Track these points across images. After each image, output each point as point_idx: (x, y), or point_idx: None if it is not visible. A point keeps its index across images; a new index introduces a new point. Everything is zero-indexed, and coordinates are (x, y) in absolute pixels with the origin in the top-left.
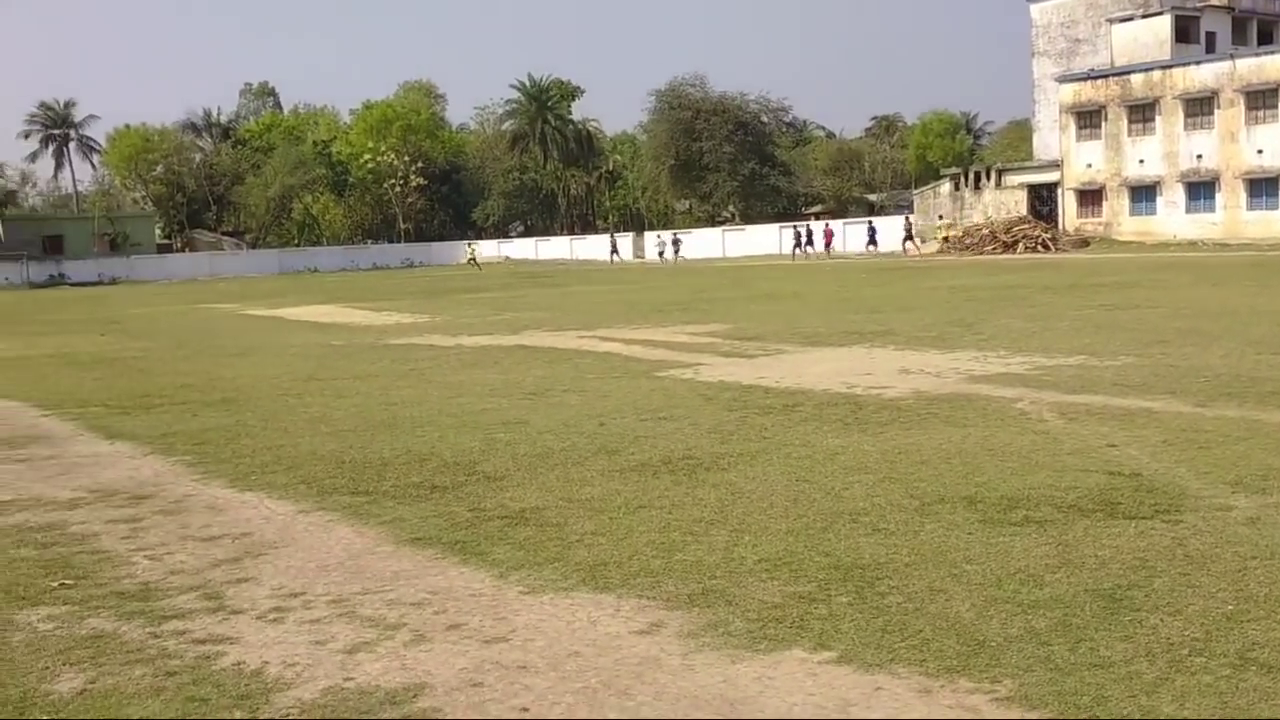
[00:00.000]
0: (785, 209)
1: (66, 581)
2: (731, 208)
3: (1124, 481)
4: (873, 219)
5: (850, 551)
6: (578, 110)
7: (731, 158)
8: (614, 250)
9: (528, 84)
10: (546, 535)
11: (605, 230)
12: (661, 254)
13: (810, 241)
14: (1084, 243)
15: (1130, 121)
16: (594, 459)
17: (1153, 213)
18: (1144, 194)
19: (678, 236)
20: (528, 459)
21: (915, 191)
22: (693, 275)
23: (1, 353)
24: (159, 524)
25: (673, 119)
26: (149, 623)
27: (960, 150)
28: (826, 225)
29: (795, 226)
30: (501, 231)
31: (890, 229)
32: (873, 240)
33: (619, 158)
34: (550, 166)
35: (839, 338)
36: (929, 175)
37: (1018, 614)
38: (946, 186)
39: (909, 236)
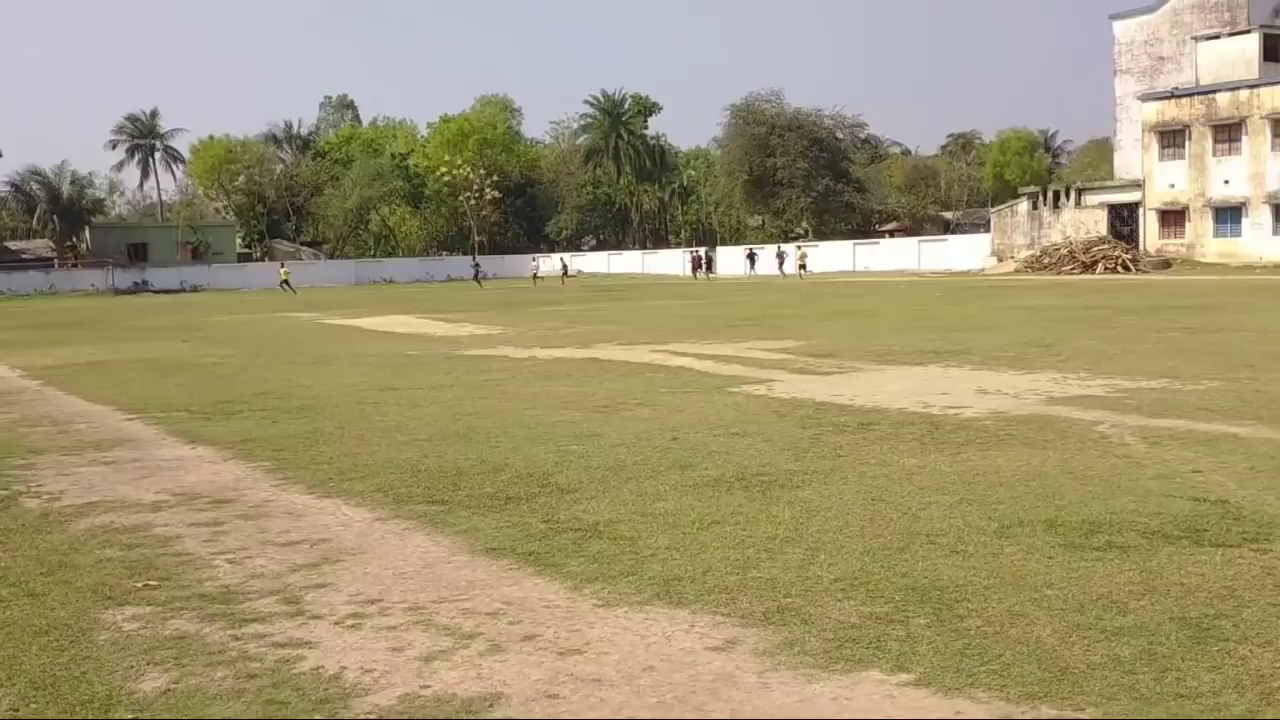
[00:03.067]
0: (859, 226)
1: (151, 583)
2: (805, 224)
3: (1210, 508)
4: (751, 247)
5: (928, 573)
6: (653, 125)
7: (805, 174)
8: (705, 267)
9: (602, 99)
10: (620, 549)
11: (678, 245)
12: (782, 265)
13: (708, 266)
14: (1165, 264)
15: (1215, 141)
16: (667, 473)
17: (1238, 234)
18: (1229, 215)
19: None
20: (601, 472)
21: (992, 210)
22: (766, 293)
23: (88, 357)
24: (239, 528)
25: (747, 134)
26: (230, 625)
27: (1038, 169)
28: (693, 252)
29: (694, 251)
30: (573, 245)
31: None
32: (751, 264)
33: (692, 173)
34: (623, 181)
35: (914, 356)
36: (1006, 194)
37: (1100, 641)
38: (1024, 205)
39: (782, 262)
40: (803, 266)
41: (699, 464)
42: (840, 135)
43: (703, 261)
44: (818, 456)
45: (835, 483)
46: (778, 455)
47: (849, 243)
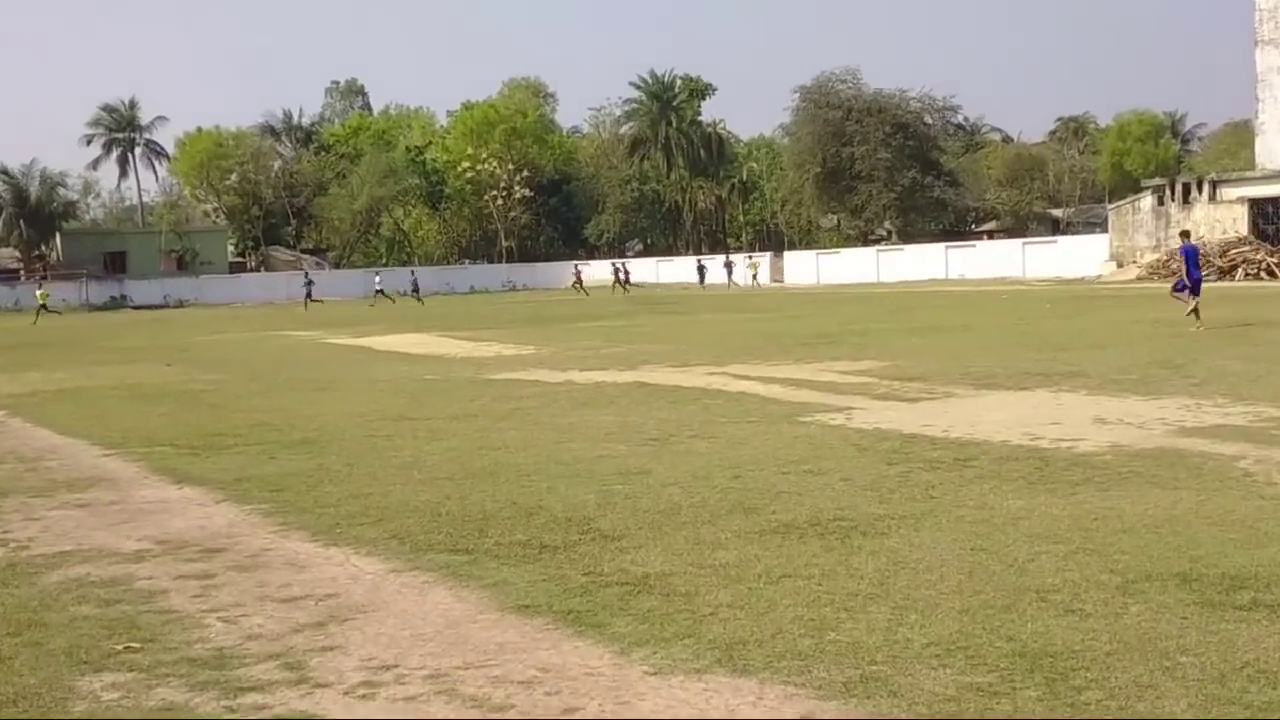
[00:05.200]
0: (952, 226)
1: (132, 645)
2: (888, 224)
3: None
4: (700, 258)
5: (1038, 636)
6: (707, 111)
7: (888, 165)
8: (701, 276)
9: (649, 81)
10: (674, 606)
11: (738, 249)
12: (754, 275)
13: (625, 280)
14: None
15: None
16: (728, 517)
17: None
18: None
19: (753, 259)
20: (650, 516)
21: (1110, 206)
22: (842, 304)
23: (59, 384)
24: (234, 581)
25: (820, 120)
26: (224, 695)
27: (1165, 157)
28: (614, 262)
29: (614, 263)
30: (617, 250)
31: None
32: (701, 278)
33: (754, 165)
34: (674, 175)
35: (1019, 379)
36: (1126, 187)
37: (1246, 718)
38: (1148, 201)
39: (730, 271)
40: (755, 276)
41: (766, 507)
42: (929, 120)
43: (620, 274)
44: (906, 498)
45: (927, 529)
46: (859, 496)
47: (939, 245)
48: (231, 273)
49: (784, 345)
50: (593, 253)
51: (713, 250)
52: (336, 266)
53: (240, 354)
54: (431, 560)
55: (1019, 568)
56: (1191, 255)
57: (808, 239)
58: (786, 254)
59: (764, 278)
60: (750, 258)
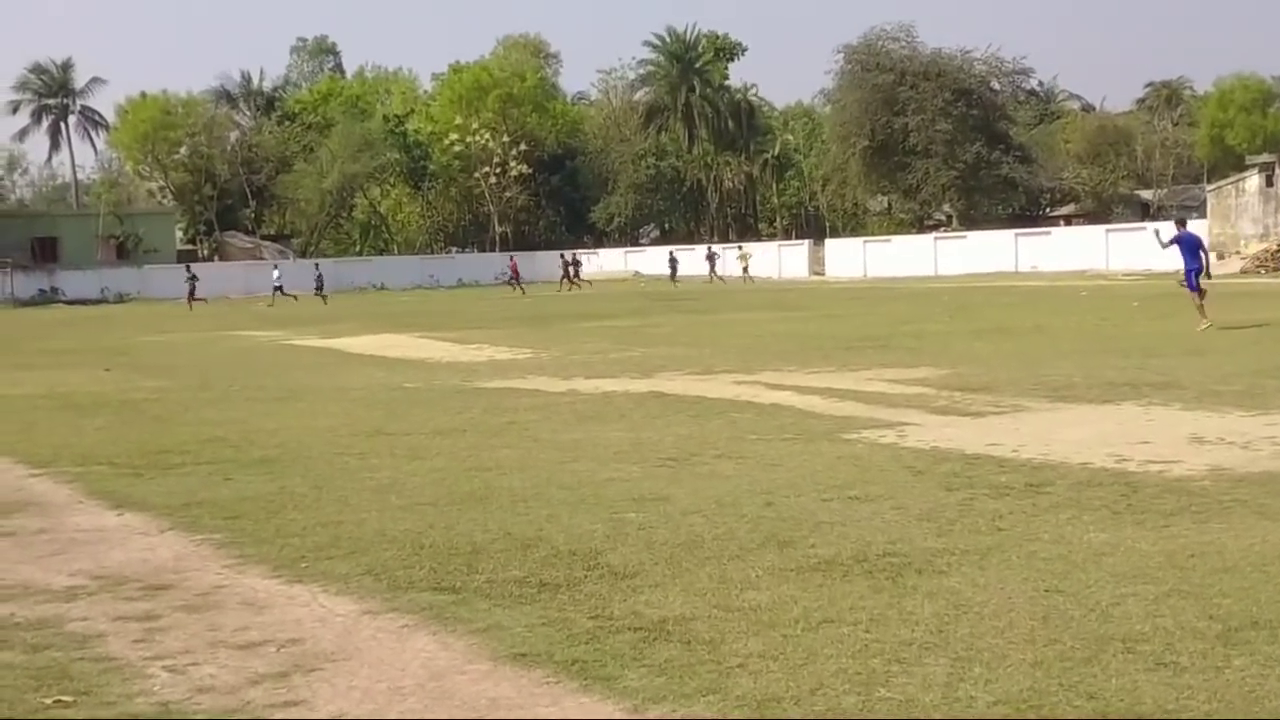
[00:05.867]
0: (1022, 210)
1: (64, 698)
2: (947, 207)
3: None
4: (673, 249)
5: (1124, 693)
6: (736, 74)
7: (948, 139)
8: (673, 271)
9: (668, 39)
10: (696, 656)
11: (771, 235)
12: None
13: (575, 274)
14: None
15: None
16: (759, 552)
17: None
18: None
19: (744, 249)
20: (668, 549)
21: (1209, 188)
22: (893, 300)
23: None
24: (181, 624)
25: (868, 85)
26: None
27: (1274, 130)
28: (562, 254)
29: (562, 254)
30: (629, 237)
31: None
32: (673, 271)
33: (791, 138)
34: (697, 150)
35: (1102, 390)
36: (1228, 165)
37: None
38: (1254, 181)
39: (713, 265)
40: (745, 269)
41: (804, 539)
42: (996, 86)
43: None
44: (969, 530)
45: (993, 566)
46: (913, 528)
47: (1008, 233)
48: (180, 262)
49: (825, 349)
50: (601, 240)
51: (741, 237)
52: (303, 255)
53: (190, 357)
54: (412, 600)
55: (1101, 613)
56: (1188, 244)
57: (853, 224)
58: (828, 242)
59: (762, 270)
60: (741, 248)
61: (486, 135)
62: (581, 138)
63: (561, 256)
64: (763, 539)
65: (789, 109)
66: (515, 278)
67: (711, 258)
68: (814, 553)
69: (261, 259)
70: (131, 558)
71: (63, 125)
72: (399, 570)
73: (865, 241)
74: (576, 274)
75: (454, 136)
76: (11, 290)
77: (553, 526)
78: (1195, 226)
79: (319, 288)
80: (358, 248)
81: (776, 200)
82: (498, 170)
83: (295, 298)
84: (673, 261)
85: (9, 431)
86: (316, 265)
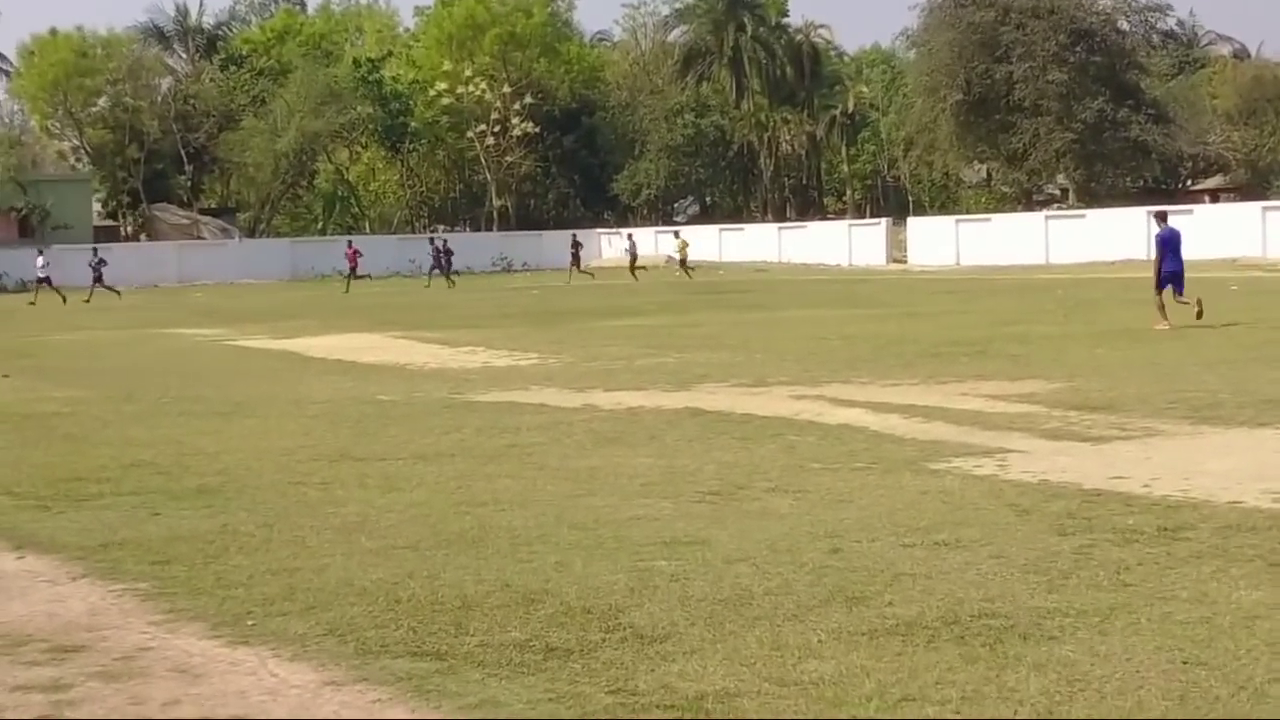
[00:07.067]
0: (1157, 182)
1: None
2: (1062, 177)
3: None
4: (575, 233)
5: None
6: (797, 9)
7: (1063, 92)
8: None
9: None
10: None
11: (839, 213)
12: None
13: (446, 265)
14: None
15: None
16: (822, 611)
17: None
18: None
19: (682, 237)
20: (708, 607)
21: None
22: (993, 294)
23: None
24: (96, 696)
25: (962, 24)
26: None
27: None
28: (433, 237)
29: (433, 237)
30: (662, 214)
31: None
32: (575, 261)
33: (865, 90)
34: (748, 105)
35: (1257, 410)
36: None
37: None
38: None
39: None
40: (683, 262)
41: (878, 595)
42: (1125, 26)
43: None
44: (1087, 585)
45: (1117, 631)
46: (1016, 581)
47: (1138, 210)
48: (99, 240)
49: (906, 356)
50: (625, 216)
51: (802, 214)
52: (251, 234)
53: (111, 360)
54: (386, 668)
55: (1255, 691)
56: (1169, 242)
57: (943, 199)
58: (911, 221)
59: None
60: (678, 234)
61: (482, 85)
62: (602, 89)
63: (431, 240)
64: (827, 595)
65: (863, 54)
66: (353, 268)
67: (444, 252)
68: (891, 612)
69: (200, 238)
70: (34, 611)
71: None
72: (369, 630)
73: (958, 221)
74: (449, 264)
75: (442, 86)
76: None
77: (563, 577)
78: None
79: (97, 278)
80: (320, 225)
81: (846, 168)
82: (496, 129)
83: (62, 295)
84: (575, 245)
85: None
86: (95, 250)
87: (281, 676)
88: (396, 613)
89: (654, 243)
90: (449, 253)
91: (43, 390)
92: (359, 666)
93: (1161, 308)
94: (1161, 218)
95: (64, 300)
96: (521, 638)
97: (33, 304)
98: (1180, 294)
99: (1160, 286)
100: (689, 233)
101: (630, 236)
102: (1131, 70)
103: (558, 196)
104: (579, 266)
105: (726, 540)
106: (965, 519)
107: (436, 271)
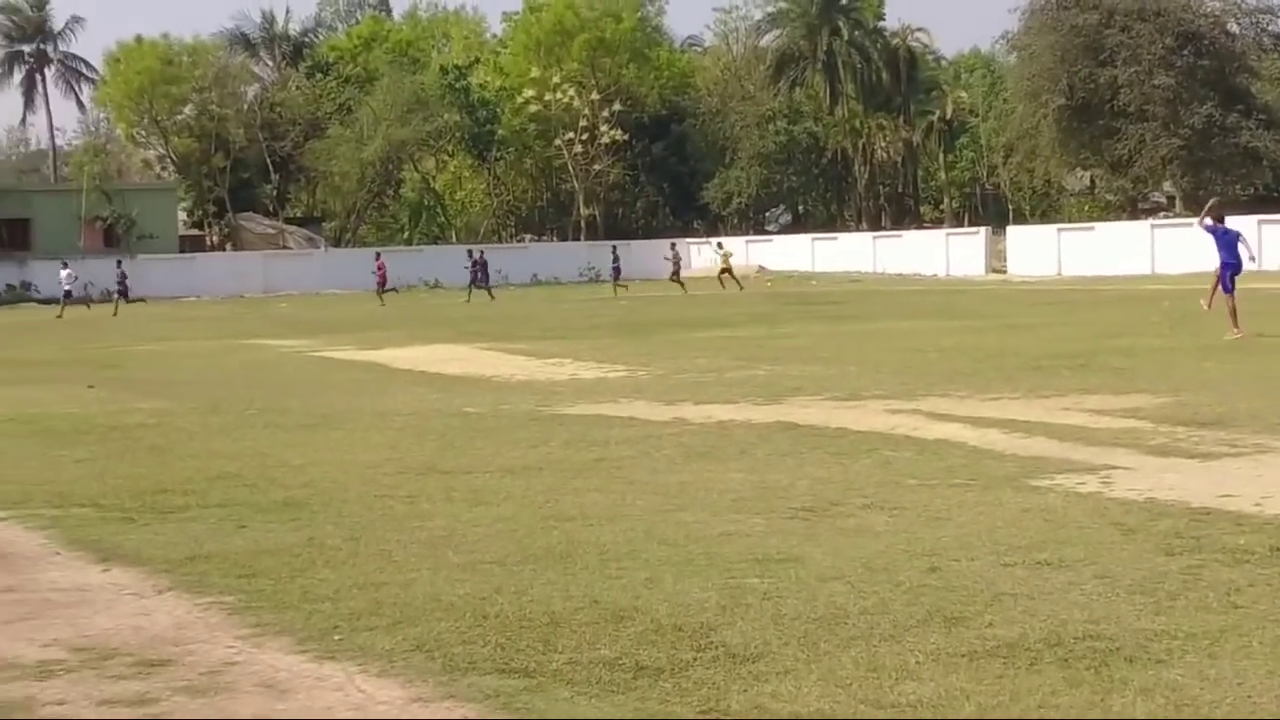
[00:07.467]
0: (1270, 189)
1: None
2: (1169, 185)
3: None
4: (615, 244)
5: None
6: (894, 12)
7: (1170, 96)
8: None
9: None
10: None
11: (936, 222)
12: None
13: (483, 278)
14: None
15: None
16: (920, 631)
17: None
18: None
19: (723, 245)
20: (801, 626)
21: None
22: (1098, 306)
23: None
24: (182, 711)
25: (1065, 27)
26: None
27: None
28: (470, 248)
29: (470, 249)
30: (753, 223)
31: None
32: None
33: (965, 95)
34: (842, 111)
35: None
36: None
37: None
38: None
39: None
40: (725, 271)
41: (978, 616)
42: (1235, 28)
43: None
44: (1196, 607)
45: (1228, 655)
46: (1122, 603)
47: (1250, 219)
48: (184, 251)
49: (1006, 369)
50: (715, 226)
51: (897, 223)
52: (336, 243)
53: (196, 372)
54: (474, 685)
55: None
56: (1223, 238)
57: (1044, 207)
58: (1011, 230)
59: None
60: (720, 245)
61: (570, 92)
62: (692, 95)
63: (470, 253)
64: (924, 615)
65: (961, 58)
66: (381, 282)
67: (480, 266)
68: (991, 634)
69: (285, 248)
70: (121, 625)
71: (39, 77)
72: (457, 646)
73: (1060, 229)
74: (485, 277)
75: (529, 93)
76: None
77: (652, 593)
78: None
79: (122, 291)
80: (406, 234)
81: (944, 176)
82: (584, 137)
83: (89, 305)
84: (616, 259)
85: None
86: (119, 263)
87: (368, 692)
88: (484, 628)
89: (744, 252)
90: (484, 264)
91: (128, 402)
92: (446, 683)
93: (1233, 312)
94: (1220, 218)
95: (89, 306)
96: (611, 655)
97: (59, 317)
98: (1218, 290)
99: (1224, 284)
100: (781, 242)
101: (673, 246)
102: (1241, 74)
103: (646, 205)
104: (675, 279)
105: (820, 558)
106: (1068, 538)
107: (477, 284)
